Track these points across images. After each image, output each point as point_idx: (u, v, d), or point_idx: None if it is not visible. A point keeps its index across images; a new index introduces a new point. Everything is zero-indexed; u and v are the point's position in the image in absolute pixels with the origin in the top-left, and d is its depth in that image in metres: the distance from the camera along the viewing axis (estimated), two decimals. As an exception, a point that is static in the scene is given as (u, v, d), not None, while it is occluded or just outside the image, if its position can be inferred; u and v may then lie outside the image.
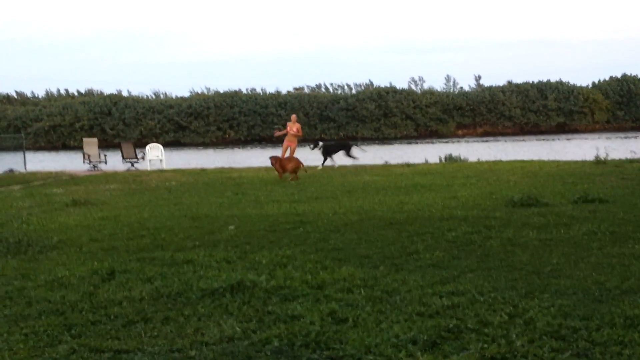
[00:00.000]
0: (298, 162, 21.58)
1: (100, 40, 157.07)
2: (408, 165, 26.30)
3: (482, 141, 64.37)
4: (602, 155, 24.12)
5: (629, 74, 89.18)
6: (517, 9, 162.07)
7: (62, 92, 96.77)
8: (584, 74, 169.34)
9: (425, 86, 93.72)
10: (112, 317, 5.94)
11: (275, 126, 26.35)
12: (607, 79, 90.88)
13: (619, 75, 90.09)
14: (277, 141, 34.04)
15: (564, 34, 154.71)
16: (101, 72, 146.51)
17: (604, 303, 5.81)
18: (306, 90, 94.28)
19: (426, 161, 28.78)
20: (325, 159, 27.01)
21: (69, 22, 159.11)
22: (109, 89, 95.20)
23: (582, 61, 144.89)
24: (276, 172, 21.65)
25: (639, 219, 10.32)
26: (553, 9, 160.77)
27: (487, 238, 9.13)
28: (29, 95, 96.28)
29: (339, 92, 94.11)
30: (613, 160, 24.12)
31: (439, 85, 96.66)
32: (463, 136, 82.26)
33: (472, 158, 29.47)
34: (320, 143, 28.34)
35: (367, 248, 8.71)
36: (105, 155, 33.63)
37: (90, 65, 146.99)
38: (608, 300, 5.90)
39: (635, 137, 53.94)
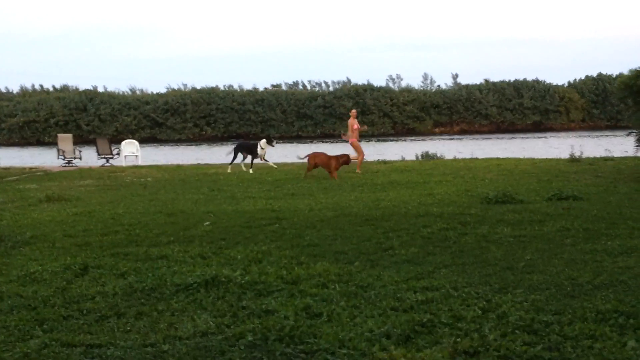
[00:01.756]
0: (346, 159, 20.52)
1: (76, 35, 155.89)
2: (385, 162, 26.36)
3: (459, 139, 64.68)
4: (577, 154, 24.33)
5: (604, 73, 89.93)
6: (494, 9, 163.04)
7: (37, 87, 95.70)
8: (560, 73, 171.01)
9: (403, 84, 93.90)
10: (84, 312, 5.90)
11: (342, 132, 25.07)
12: (582, 78, 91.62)
13: (594, 75, 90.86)
14: (255, 138, 33.55)
15: (540, 33, 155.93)
16: (77, 67, 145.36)
17: (576, 298, 5.86)
18: (284, 88, 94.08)
19: (403, 158, 28.88)
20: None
21: (44, 17, 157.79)
22: (84, 85, 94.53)
23: (558, 60, 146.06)
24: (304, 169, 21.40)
25: (612, 216, 10.42)
26: (530, 9, 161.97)
27: (462, 234, 9.18)
28: (3, 90, 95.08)
29: (317, 89, 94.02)
30: (587, 158, 24.35)
31: (416, 83, 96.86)
32: (440, 134, 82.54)
33: (449, 156, 29.61)
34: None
35: (343, 244, 8.72)
36: (80, 151, 33.33)
37: (66, 61, 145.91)
38: (580, 295, 5.96)
39: (610, 136, 54.45)
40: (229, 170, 24.06)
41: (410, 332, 5.03)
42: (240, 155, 25.17)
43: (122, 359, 4.77)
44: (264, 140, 25.27)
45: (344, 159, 20.48)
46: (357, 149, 22.65)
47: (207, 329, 5.29)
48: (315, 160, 20.73)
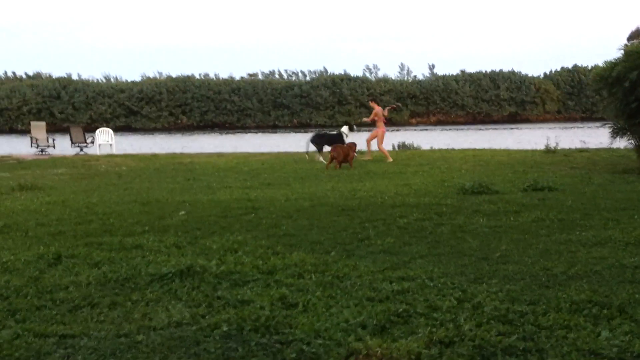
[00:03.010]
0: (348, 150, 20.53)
1: (50, 22, 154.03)
2: (361, 152, 26.37)
3: (436, 129, 64.88)
4: (552, 145, 24.50)
5: (580, 65, 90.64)
6: (469, 1, 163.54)
7: (10, 74, 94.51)
8: (535, 64, 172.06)
9: (380, 74, 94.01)
10: (57, 302, 5.82)
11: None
12: (558, 69, 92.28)
13: (570, 66, 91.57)
14: (227, 128, 33.09)
15: (515, 24, 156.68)
16: (50, 54, 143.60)
17: (551, 288, 5.89)
18: (260, 77, 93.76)
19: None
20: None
21: (16, 3, 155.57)
22: (58, 72, 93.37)
23: (534, 52, 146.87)
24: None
25: (586, 206, 10.50)
26: (506, 1, 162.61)
27: (438, 225, 9.20)
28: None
29: (293, 78, 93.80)
30: (563, 150, 24.53)
31: (393, 73, 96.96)
32: (417, 124, 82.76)
33: (425, 146, 29.68)
34: None
35: (319, 234, 8.70)
36: (53, 140, 33.03)
37: (39, 48, 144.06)
38: (555, 285, 5.99)
39: (585, 127, 54.93)
40: (322, 159, 22.36)
41: (386, 322, 5.03)
42: (312, 146, 23.63)
43: (96, 349, 4.72)
44: (345, 127, 24.39)
45: (354, 148, 20.78)
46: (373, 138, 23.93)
47: (181, 319, 5.24)
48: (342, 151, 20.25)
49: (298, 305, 5.52)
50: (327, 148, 22.69)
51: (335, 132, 24.92)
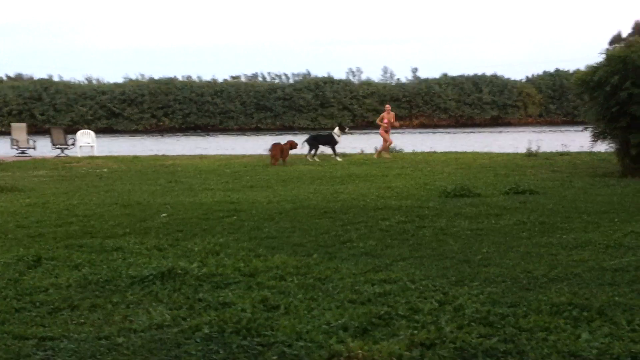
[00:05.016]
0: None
1: (32, 24, 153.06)
2: (344, 155, 26.38)
3: (418, 132, 65.01)
4: (534, 148, 24.64)
5: (561, 69, 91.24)
6: (453, 5, 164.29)
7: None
8: (518, 68, 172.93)
9: (363, 77, 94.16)
10: (37, 304, 5.77)
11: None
12: (540, 73, 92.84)
13: (552, 70, 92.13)
14: (210, 130, 33.12)
15: (498, 29, 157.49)
16: (31, 56, 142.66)
17: (532, 291, 5.91)
18: (243, 79, 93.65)
19: (362, 151, 28.91)
20: None
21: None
22: (39, 74, 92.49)
23: (516, 56, 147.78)
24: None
25: (567, 210, 10.56)
26: (488, 5, 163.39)
27: (420, 227, 9.21)
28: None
29: (277, 81, 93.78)
30: (544, 153, 24.66)
31: (376, 76, 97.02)
32: (399, 127, 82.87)
33: (408, 149, 29.73)
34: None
35: (301, 236, 8.69)
36: (34, 141, 32.79)
37: (20, 49, 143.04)
38: (535, 287, 6.01)
39: (566, 131, 55.26)
40: (317, 160, 23.91)
41: (368, 325, 5.03)
42: (307, 147, 24.91)
43: (76, 351, 4.68)
44: (337, 129, 25.55)
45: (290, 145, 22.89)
46: (386, 139, 25.38)
47: (162, 321, 5.21)
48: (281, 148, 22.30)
49: (280, 307, 5.50)
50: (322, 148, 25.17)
51: (326, 134, 26.28)
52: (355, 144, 37.09)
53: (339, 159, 24.22)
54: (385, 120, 25.83)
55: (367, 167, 20.84)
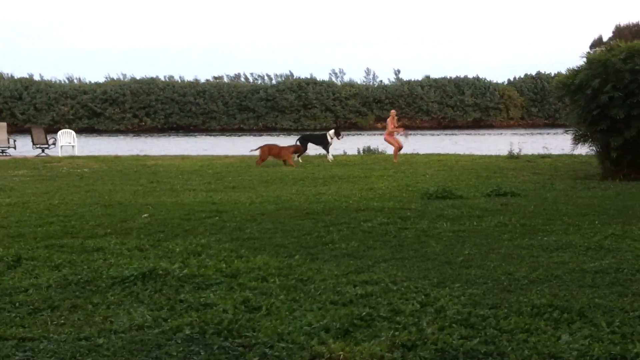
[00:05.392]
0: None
1: (12, 22, 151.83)
2: (326, 156, 26.39)
3: (401, 134, 65.06)
4: (516, 151, 24.78)
5: (543, 72, 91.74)
6: (434, 7, 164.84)
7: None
8: (499, 71, 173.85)
9: (346, 78, 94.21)
10: (17, 304, 5.73)
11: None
12: (522, 76, 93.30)
13: (533, 73, 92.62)
14: (192, 130, 32.95)
15: (480, 31, 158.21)
16: (12, 55, 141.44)
17: (513, 292, 5.94)
18: (225, 80, 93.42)
19: (344, 153, 28.94)
20: None
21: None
22: (20, 73, 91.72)
23: (498, 58, 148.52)
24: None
25: (548, 212, 10.62)
26: (470, 8, 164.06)
27: (402, 229, 9.23)
28: None
29: (259, 82, 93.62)
30: (526, 156, 24.81)
31: (359, 78, 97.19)
32: (382, 129, 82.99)
33: (390, 151, 29.74)
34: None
35: (283, 237, 8.68)
36: (14, 141, 32.51)
37: (0, 48, 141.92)
38: (516, 289, 6.04)
39: (548, 134, 55.59)
40: (300, 160, 23.73)
41: (349, 326, 5.03)
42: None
43: (56, 352, 4.65)
44: (332, 131, 25.55)
45: (294, 149, 22.95)
46: (392, 143, 24.76)
47: (143, 322, 5.19)
48: (270, 152, 22.37)
49: (261, 308, 5.49)
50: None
51: (319, 134, 26.72)
52: (337, 145, 37.13)
53: (330, 158, 24.32)
54: (391, 126, 25.57)
55: (350, 168, 20.86)
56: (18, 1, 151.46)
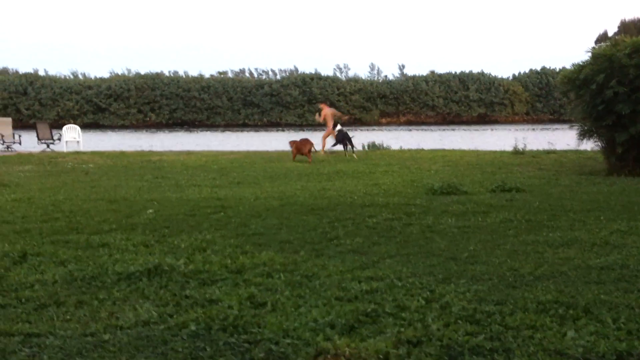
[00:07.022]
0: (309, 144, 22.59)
1: (17, 18, 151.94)
2: (331, 152, 26.39)
3: (405, 130, 65.09)
4: (520, 146, 24.73)
5: (548, 67, 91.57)
6: (439, 2, 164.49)
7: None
8: (504, 66, 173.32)
9: (350, 74, 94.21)
10: (23, 300, 5.74)
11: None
12: (527, 71, 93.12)
13: (538, 68, 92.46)
14: (196, 126, 33.01)
15: (485, 26, 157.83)
16: (17, 50, 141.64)
17: (518, 288, 5.93)
18: (230, 75, 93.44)
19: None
20: None
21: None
22: (24, 68, 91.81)
23: (503, 54, 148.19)
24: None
25: (553, 208, 10.60)
26: (475, 4, 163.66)
27: (407, 225, 9.22)
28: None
29: (264, 77, 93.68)
30: (530, 151, 24.76)
31: (363, 73, 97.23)
32: (386, 124, 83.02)
33: (395, 146, 29.77)
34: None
35: (288, 233, 8.67)
36: (19, 136, 32.58)
37: (6, 43, 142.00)
38: (522, 285, 6.03)
39: (553, 129, 55.48)
40: (355, 157, 23.53)
41: (355, 322, 5.03)
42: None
43: (62, 348, 4.66)
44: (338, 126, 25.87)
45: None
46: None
47: (149, 318, 5.19)
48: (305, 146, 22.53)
49: (267, 304, 5.49)
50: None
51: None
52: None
53: (354, 155, 24.10)
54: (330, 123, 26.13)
55: (355, 164, 20.84)
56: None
